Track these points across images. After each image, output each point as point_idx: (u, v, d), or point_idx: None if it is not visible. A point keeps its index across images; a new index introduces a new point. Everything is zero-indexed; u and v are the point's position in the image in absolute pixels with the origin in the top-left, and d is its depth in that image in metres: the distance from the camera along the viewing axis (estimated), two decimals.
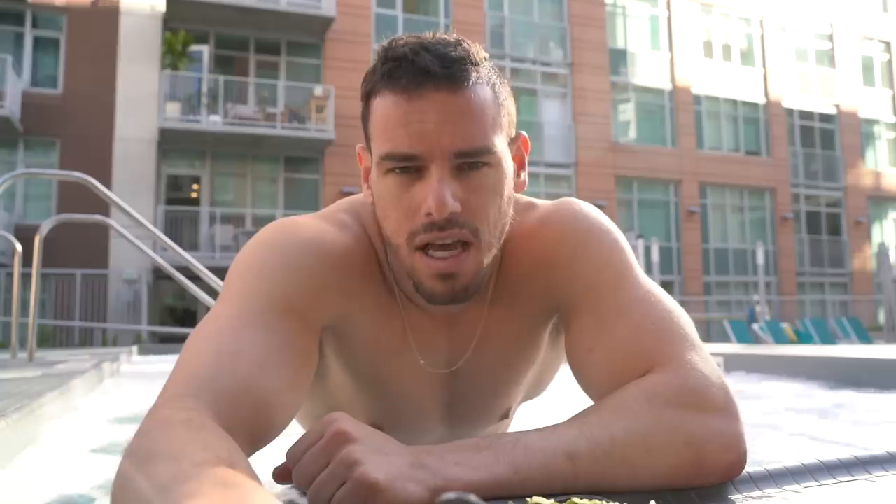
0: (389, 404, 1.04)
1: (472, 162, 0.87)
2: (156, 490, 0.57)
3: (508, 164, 0.92)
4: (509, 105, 0.93)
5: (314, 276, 0.91)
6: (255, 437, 0.79)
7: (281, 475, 0.79)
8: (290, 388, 0.84)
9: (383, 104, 0.87)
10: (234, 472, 0.60)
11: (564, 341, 1.01)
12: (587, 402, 0.93)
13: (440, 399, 1.05)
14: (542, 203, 1.04)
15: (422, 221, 0.86)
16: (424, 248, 0.88)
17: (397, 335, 0.99)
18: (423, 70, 0.84)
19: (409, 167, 0.86)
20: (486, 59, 0.91)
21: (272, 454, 0.86)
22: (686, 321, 0.94)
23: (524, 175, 0.99)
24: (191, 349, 0.83)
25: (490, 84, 0.89)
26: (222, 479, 0.57)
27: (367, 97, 0.90)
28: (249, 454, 0.80)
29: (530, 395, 1.22)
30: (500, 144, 0.89)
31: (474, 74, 0.87)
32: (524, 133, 0.99)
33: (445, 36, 0.90)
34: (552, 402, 1.45)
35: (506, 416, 1.14)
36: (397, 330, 0.99)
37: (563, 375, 1.08)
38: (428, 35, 0.90)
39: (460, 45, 0.88)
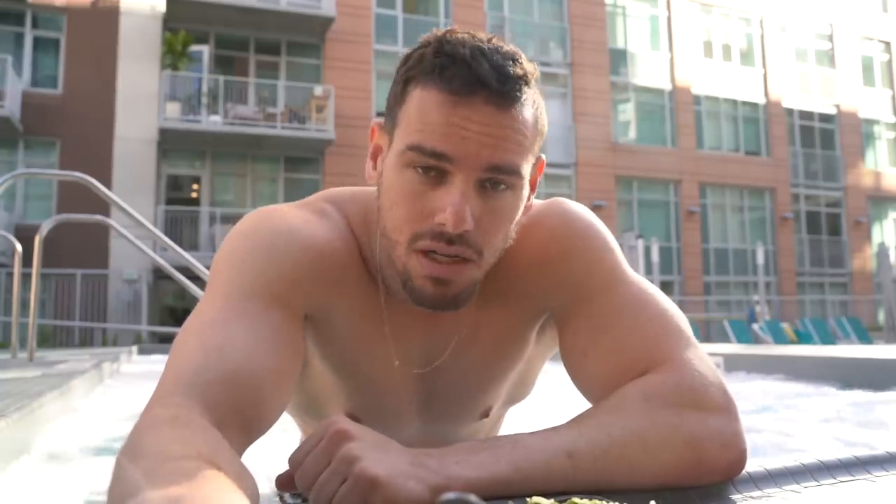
0: (365, 397, 1.03)
1: (496, 181, 0.85)
2: (133, 485, 0.58)
3: (526, 191, 0.91)
4: (544, 130, 0.91)
5: (295, 265, 0.89)
6: (248, 427, 0.79)
7: (284, 482, 0.78)
8: (279, 376, 0.83)
9: (426, 97, 0.83)
10: (209, 467, 0.60)
11: (559, 345, 1.00)
12: (585, 406, 0.92)
13: (416, 395, 1.04)
14: (531, 202, 1.02)
15: (431, 228, 0.84)
16: (425, 251, 0.86)
17: (375, 329, 0.98)
18: (479, 79, 0.81)
19: (431, 168, 0.84)
20: (536, 80, 0.88)
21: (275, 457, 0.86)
22: (680, 318, 0.93)
23: (532, 198, 0.96)
24: (178, 346, 0.83)
25: (534, 107, 0.87)
26: (193, 475, 0.58)
27: (406, 82, 0.86)
28: (246, 445, 0.80)
29: (515, 397, 1.18)
30: (526, 170, 0.88)
31: (524, 96, 0.85)
32: (543, 156, 0.96)
33: (502, 44, 0.86)
34: (551, 405, 1.45)
35: (486, 415, 1.11)
36: (376, 324, 0.98)
37: (561, 380, 1.08)
38: (483, 37, 0.86)
39: (518, 61, 0.85)
